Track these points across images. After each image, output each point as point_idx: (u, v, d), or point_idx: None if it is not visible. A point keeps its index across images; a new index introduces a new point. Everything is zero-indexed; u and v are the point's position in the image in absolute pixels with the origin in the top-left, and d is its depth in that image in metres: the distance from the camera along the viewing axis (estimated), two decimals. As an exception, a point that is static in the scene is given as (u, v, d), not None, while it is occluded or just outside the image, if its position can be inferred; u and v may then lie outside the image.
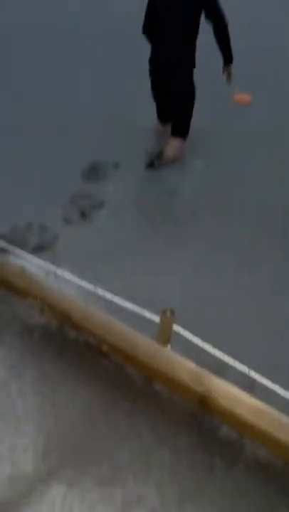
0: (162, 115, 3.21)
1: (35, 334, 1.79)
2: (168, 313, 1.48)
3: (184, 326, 1.55)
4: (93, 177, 2.84)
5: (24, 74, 4.09)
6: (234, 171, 2.99)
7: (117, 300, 1.67)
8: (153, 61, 2.91)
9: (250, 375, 1.45)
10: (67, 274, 1.81)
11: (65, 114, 3.45)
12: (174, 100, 2.99)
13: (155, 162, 2.94)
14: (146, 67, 2.96)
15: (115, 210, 2.59)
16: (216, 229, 2.51)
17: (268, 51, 4.50)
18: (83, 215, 2.52)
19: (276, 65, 4.54)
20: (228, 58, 2.87)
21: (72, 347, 1.74)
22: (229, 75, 2.96)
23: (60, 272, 1.82)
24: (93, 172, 2.87)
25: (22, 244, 2.19)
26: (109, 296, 1.70)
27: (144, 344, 1.57)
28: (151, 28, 2.86)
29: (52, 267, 1.82)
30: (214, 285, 2.15)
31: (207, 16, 2.74)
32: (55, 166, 2.91)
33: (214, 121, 3.38)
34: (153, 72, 2.94)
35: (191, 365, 1.50)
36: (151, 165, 2.95)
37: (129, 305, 1.63)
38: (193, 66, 2.88)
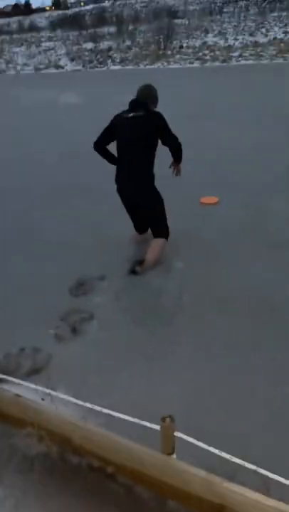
0: (138, 227, 3.47)
1: (36, 466, 1.69)
2: (167, 420, 1.44)
3: (187, 431, 1.49)
4: (81, 292, 2.94)
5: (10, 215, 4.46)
6: (212, 266, 3.14)
7: (116, 414, 1.63)
8: (118, 190, 3.21)
9: (264, 475, 1.37)
10: (63, 395, 1.78)
11: (48, 241, 3.71)
12: (146, 214, 3.27)
13: (137, 268, 3.08)
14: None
15: (105, 320, 2.64)
16: (206, 322, 2.54)
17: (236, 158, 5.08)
18: (74, 330, 2.55)
19: (241, 169, 5.11)
20: (178, 160, 3.29)
21: (76, 474, 1.63)
22: (178, 170, 3.34)
23: (55, 393, 1.79)
24: (80, 288, 2.98)
25: (16, 371, 2.18)
26: (107, 411, 1.66)
27: (150, 457, 1.49)
28: (102, 148, 3.20)
29: (47, 390, 1.79)
30: (212, 382, 2.12)
31: (164, 144, 3.14)
32: (42, 287, 3.03)
33: (186, 225, 3.67)
34: (121, 196, 3.24)
35: (202, 473, 1.42)
36: (134, 271, 3.08)
37: (128, 417, 1.59)
38: (153, 178, 3.17)
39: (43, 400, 1.84)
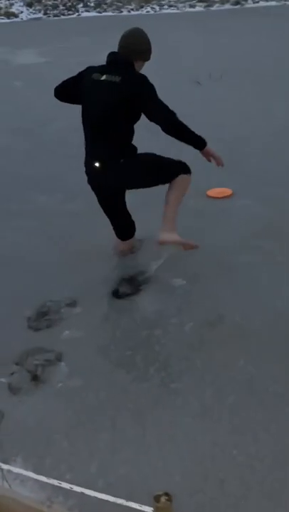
0: (121, 231, 3.49)
1: None
2: (162, 500, 1.43)
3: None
4: (43, 324, 2.94)
5: None
6: (224, 283, 3.18)
7: (93, 493, 1.63)
8: (89, 180, 3.29)
9: None
10: (19, 469, 1.78)
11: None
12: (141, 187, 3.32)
13: (120, 290, 3.11)
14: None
15: (78, 363, 2.63)
16: (216, 364, 2.55)
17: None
18: (35, 378, 2.55)
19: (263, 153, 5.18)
20: (197, 146, 3.16)
21: None
22: (213, 157, 3.24)
23: (8, 466, 1.78)
24: (42, 318, 2.98)
25: None
26: (80, 489, 1.65)
27: None
28: (64, 95, 3.31)
29: (-3, 463, 1.79)
30: (233, 445, 2.11)
31: (152, 121, 3.09)
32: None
33: (188, 227, 3.65)
34: (93, 189, 3.31)
35: None
36: (118, 293, 3.11)
37: (109, 497, 1.59)
38: (133, 152, 3.21)
39: (-9, 476, 1.83)
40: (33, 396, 2.46)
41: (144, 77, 3.06)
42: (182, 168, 3.25)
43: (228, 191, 4.29)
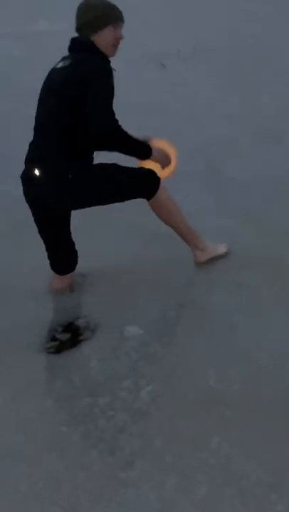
0: (58, 263, 3.49)
1: None
2: None
3: None
4: None
5: None
6: (194, 329, 3.23)
7: None
8: (25, 191, 3.29)
9: None
10: None
11: None
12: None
13: (54, 341, 3.12)
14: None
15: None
16: (190, 439, 2.50)
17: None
18: None
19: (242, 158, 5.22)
20: (142, 155, 3.28)
21: None
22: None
23: None
24: None
25: None
26: None
27: None
28: None
29: None
30: None
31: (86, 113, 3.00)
32: None
33: (138, 257, 3.81)
34: (28, 202, 3.31)
35: None
36: (49, 346, 3.08)
37: None
38: (85, 166, 3.23)
39: None
40: None
41: (96, 59, 3.08)
42: (151, 180, 3.36)
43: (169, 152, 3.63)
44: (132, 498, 2.24)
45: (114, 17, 3.19)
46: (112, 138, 3.03)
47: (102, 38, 3.15)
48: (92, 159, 3.22)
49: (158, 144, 3.28)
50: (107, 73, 3.02)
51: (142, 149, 3.18)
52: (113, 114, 2.96)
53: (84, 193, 3.24)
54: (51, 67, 3.24)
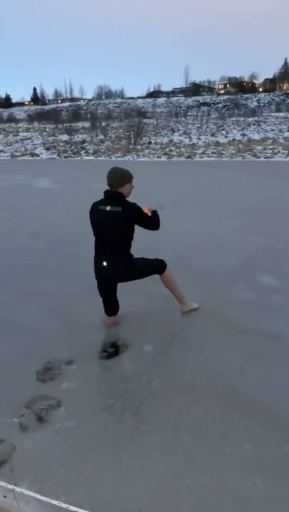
0: (109, 309, 3.52)
1: None
2: (138, 516, 1.39)
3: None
4: (48, 377, 2.87)
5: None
6: (181, 350, 3.17)
7: None
8: (97, 275, 3.36)
9: None
10: (27, 491, 1.68)
11: (14, 323, 3.67)
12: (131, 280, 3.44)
13: (106, 352, 3.09)
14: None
15: (72, 408, 2.55)
16: (175, 410, 2.51)
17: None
18: (40, 419, 2.45)
19: (203, 257, 5.33)
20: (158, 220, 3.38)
21: None
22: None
23: (19, 489, 1.69)
24: (47, 372, 2.91)
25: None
26: (74, 508, 1.57)
27: None
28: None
29: (10, 486, 1.69)
30: (183, 474, 2.05)
31: (145, 228, 3.29)
32: (7, 371, 2.95)
33: (155, 307, 3.75)
34: (98, 277, 3.37)
35: None
36: (103, 355, 3.08)
37: (96, 515, 1.52)
38: (132, 259, 3.32)
39: (5, 497, 1.72)
40: (37, 433, 2.36)
41: (135, 207, 3.21)
42: (162, 265, 3.44)
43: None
44: (147, 441, 2.27)
45: (129, 178, 3.27)
46: (159, 226, 3.37)
47: (124, 190, 3.25)
48: (132, 256, 3.36)
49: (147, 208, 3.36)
50: (138, 206, 3.24)
51: (158, 220, 3.40)
52: (154, 219, 3.32)
53: (129, 274, 3.37)
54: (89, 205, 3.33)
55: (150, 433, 2.34)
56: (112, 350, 3.15)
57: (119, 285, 3.54)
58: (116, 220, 3.17)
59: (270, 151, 20.17)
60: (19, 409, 2.53)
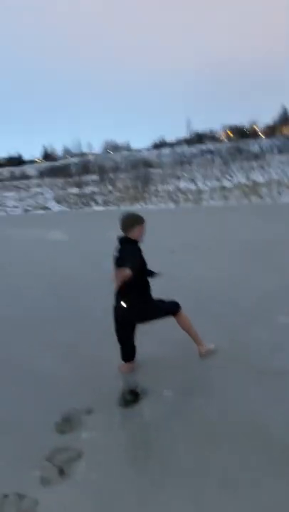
0: (126, 355, 3.51)
1: None
2: None
3: None
4: (67, 428, 2.83)
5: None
6: (201, 394, 3.11)
7: None
8: (115, 309, 3.40)
9: None
10: None
11: (32, 372, 3.65)
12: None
13: (125, 400, 3.06)
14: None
15: (94, 458, 2.51)
16: (204, 456, 2.44)
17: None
18: (62, 471, 2.41)
19: (219, 299, 5.35)
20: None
21: None
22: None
23: None
24: (66, 423, 2.87)
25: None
26: None
27: None
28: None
29: None
30: None
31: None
32: (25, 423, 2.92)
33: (174, 351, 3.72)
34: (116, 318, 3.41)
35: None
36: (124, 402, 3.05)
37: None
38: (139, 301, 3.32)
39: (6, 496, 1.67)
40: (59, 487, 2.31)
41: (131, 246, 3.25)
42: (176, 306, 3.47)
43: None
44: (179, 497, 2.23)
45: (137, 221, 3.32)
46: (129, 267, 3.03)
47: (134, 234, 3.30)
48: (148, 294, 3.40)
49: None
50: (132, 247, 3.26)
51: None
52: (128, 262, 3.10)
53: (147, 315, 3.41)
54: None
55: (176, 484, 2.28)
56: (131, 397, 3.11)
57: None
58: (117, 259, 3.29)
59: (276, 193, 20.55)
60: (40, 463, 2.49)
